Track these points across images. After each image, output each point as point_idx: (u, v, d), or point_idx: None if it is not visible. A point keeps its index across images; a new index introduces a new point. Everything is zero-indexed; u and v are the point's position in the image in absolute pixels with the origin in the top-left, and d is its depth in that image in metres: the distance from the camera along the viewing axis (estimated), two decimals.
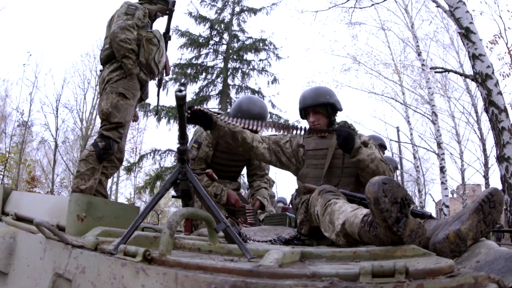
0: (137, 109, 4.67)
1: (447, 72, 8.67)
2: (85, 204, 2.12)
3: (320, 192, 2.56)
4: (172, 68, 17.20)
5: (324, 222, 2.37)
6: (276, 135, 3.64)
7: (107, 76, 4.01)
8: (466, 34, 7.36)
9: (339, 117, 3.71)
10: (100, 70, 4.25)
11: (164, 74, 4.52)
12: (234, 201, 4.30)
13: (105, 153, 3.87)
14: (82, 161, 3.88)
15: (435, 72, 8.88)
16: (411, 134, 19.47)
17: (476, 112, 18.18)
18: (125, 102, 3.95)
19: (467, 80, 18.16)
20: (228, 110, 4.69)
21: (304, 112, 3.62)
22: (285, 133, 3.57)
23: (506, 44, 12.46)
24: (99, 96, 4.21)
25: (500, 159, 6.76)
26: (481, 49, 7.30)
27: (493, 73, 7.14)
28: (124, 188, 29.25)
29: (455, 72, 8.63)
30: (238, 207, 4.33)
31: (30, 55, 25.67)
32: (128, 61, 3.95)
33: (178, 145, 1.61)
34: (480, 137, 17.88)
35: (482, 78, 7.10)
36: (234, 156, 4.51)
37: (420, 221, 1.78)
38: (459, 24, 7.50)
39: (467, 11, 7.49)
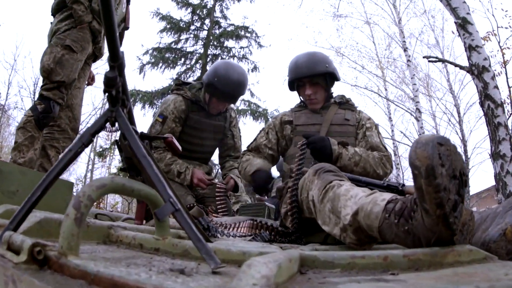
0: (92, 70, 4.05)
1: (442, 62, 8.26)
2: None
3: (317, 171, 1.94)
4: (150, 51, 16.63)
5: (323, 212, 1.73)
6: (255, 139, 3.19)
7: (55, 26, 3.39)
8: (463, 24, 6.99)
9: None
10: (51, 23, 3.58)
11: (123, 27, 3.82)
12: (197, 180, 3.72)
13: (45, 117, 3.26)
14: (20, 130, 3.27)
15: (429, 61, 8.39)
16: (392, 130, 19.13)
17: (459, 112, 18.03)
18: (71, 56, 3.33)
19: (450, 80, 18.00)
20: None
21: (297, 83, 3.04)
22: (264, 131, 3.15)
23: (499, 42, 12.07)
24: None
25: (495, 156, 6.44)
26: (478, 40, 6.97)
27: (490, 65, 6.80)
28: (99, 175, 28.22)
29: (450, 63, 8.12)
30: (205, 186, 3.76)
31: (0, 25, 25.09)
32: (79, 6, 3.35)
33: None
34: (461, 138, 17.66)
35: (479, 71, 6.77)
36: (207, 134, 3.93)
37: (471, 210, 1.22)
38: (455, 14, 7.13)
39: (464, 1, 7.10)
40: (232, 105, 4.15)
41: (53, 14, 3.52)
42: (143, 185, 1.03)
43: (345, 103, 3.04)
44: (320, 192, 1.77)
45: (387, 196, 1.41)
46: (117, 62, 0.93)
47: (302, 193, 2.08)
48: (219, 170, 5.09)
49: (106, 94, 0.96)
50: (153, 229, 1.57)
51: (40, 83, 3.45)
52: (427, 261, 1.04)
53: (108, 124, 1.01)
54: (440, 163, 1.04)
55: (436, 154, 1.04)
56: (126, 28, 3.84)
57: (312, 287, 0.73)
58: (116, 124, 1.00)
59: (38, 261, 0.80)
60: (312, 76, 2.93)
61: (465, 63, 7.15)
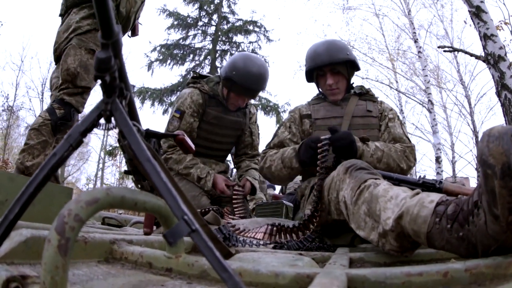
0: None
1: (453, 53, 8.04)
2: None
3: (348, 169, 1.73)
4: (158, 48, 16.59)
5: (358, 215, 1.53)
6: (277, 135, 2.88)
7: (76, 23, 3.17)
8: (477, 13, 6.85)
9: None
10: (60, 15, 3.37)
11: (130, 33, 3.64)
12: (221, 189, 3.47)
13: (62, 124, 3.07)
14: (33, 131, 3.05)
15: (444, 51, 8.20)
16: (404, 123, 18.89)
17: (470, 103, 17.89)
18: None
19: (461, 71, 17.78)
20: (216, 75, 3.81)
21: (317, 73, 2.83)
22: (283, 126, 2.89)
23: (511, 32, 11.75)
24: (55, 46, 3.31)
25: None
26: (492, 29, 6.84)
27: (505, 54, 6.59)
28: (110, 174, 28.12)
29: (465, 52, 7.88)
30: (227, 195, 3.49)
31: (2, 24, 25.39)
32: None
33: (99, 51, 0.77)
34: (473, 130, 17.54)
35: (495, 60, 6.60)
36: (225, 131, 3.69)
37: None
38: (469, 2, 7.04)
39: None
40: (251, 100, 3.89)
41: (69, 6, 3.29)
42: (149, 195, 0.83)
43: (365, 94, 2.84)
44: (354, 192, 1.57)
45: (435, 197, 1.21)
46: (111, 39, 0.71)
47: (331, 192, 1.87)
48: (234, 170, 4.89)
49: (99, 81, 0.75)
50: (159, 240, 1.38)
51: (47, 83, 3.26)
52: (489, 274, 0.88)
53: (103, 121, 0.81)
54: None
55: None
56: (135, 35, 3.65)
57: None
58: (113, 120, 0.79)
59: None
60: (333, 64, 2.72)
61: (476, 53, 6.96)
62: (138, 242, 1.23)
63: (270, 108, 16.02)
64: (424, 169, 23.90)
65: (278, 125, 2.95)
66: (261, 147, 3.29)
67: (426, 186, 1.91)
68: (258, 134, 4.06)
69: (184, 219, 0.66)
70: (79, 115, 3.32)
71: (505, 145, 0.85)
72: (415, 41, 15.23)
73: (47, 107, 3.20)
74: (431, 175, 18.53)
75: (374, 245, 1.43)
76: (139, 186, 1.12)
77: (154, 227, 2.11)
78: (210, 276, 0.92)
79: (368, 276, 0.85)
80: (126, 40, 3.75)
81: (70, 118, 3.09)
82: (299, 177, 2.95)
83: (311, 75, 2.90)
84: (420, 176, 1.95)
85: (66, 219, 0.63)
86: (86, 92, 3.19)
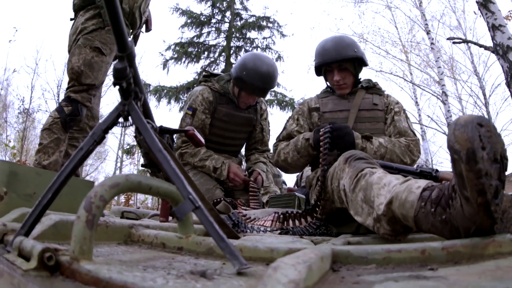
0: None
1: (465, 44, 8.08)
2: (5, 175, 1.44)
3: (347, 159, 1.85)
4: (172, 46, 16.65)
5: (355, 202, 1.65)
6: (285, 128, 3.01)
7: (82, 25, 3.28)
8: (485, 3, 6.87)
9: None
10: (71, 19, 3.50)
11: (144, 29, 3.76)
12: (233, 175, 3.62)
13: (72, 119, 3.19)
14: (45, 131, 3.18)
15: (453, 42, 8.26)
16: (419, 115, 18.82)
17: (484, 94, 17.74)
18: (101, 59, 3.25)
19: (475, 61, 17.65)
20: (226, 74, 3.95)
21: (325, 68, 2.94)
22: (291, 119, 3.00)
23: None
24: (68, 49, 3.45)
25: None
26: (501, 19, 6.89)
27: None
28: (128, 173, 28.31)
29: (474, 43, 7.91)
30: (240, 181, 3.65)
31: (16, 30, 25.40)
32: None
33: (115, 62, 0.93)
34: None
35: (503, 50, 6.63)
36: (236, 126, 3.82)
37: (511, 196, 1.12)
38: None
39: None
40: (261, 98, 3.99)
41: (76, 10, 3.41)
42: (162, 182, 0.97)
43: (372, 87, 2.95)
44: (352, 180, 1.69)
45: (422, 183, 1.32)
46: (125, 52, 0.87)
47: (333, 182, 1.99)
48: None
49: (117, 87, 0.91)
50: (172, 226, 1.51)
51: (64, 85, 3.39)
52: (466, 254, 0.96)
53: (121, 119, 0.96)
54: (481, 146, 0.96)
55: (477, 136, 0.96)
56: (149, 29, 3.77)
57: None
58: (130, 119, 0.94)
59: (49, 267, 0.75)
60: (340, 61, 2.82)
61: (489, 44, 6.99)
62: (154, 227, 1.37)
63: (286, 103, 16.07)
64: (441, 161, 23.69)
65: (287, 118, 3.06)
66: (272, 143, 3.41)
67: (424, 174, 2.01)
68: (269, 130, 4.17)
69: (189, 198, 0.81)
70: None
71: (469, 133, 0.96)
72: (428, 33, 15.18)
73: (57, 106, 3.32)
74: (447, 168, 18.45)
75: (371, 229, 1.55)
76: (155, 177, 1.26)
77: (170, 218, 2.24)
78: (215, 253, 1.05)
79: (352, 252, 0.97)
80: (141, 37, 3.88)
81: (78, 113, 3.20)
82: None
83: (319, 70, 3.01)
84: (418, 166, 2.06)
85: (93, 199, 0.78)
86: (92, 89, 3.28)
